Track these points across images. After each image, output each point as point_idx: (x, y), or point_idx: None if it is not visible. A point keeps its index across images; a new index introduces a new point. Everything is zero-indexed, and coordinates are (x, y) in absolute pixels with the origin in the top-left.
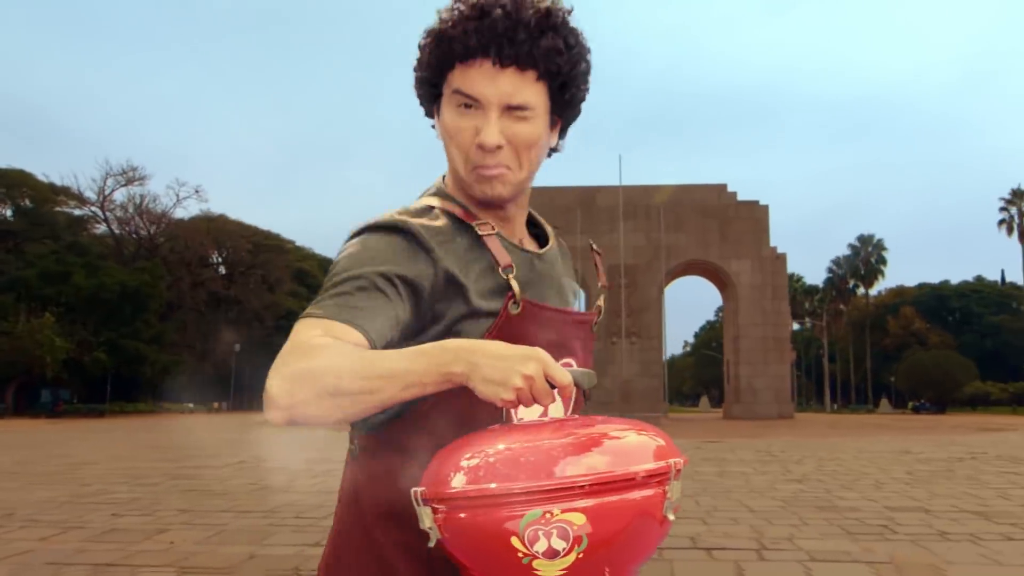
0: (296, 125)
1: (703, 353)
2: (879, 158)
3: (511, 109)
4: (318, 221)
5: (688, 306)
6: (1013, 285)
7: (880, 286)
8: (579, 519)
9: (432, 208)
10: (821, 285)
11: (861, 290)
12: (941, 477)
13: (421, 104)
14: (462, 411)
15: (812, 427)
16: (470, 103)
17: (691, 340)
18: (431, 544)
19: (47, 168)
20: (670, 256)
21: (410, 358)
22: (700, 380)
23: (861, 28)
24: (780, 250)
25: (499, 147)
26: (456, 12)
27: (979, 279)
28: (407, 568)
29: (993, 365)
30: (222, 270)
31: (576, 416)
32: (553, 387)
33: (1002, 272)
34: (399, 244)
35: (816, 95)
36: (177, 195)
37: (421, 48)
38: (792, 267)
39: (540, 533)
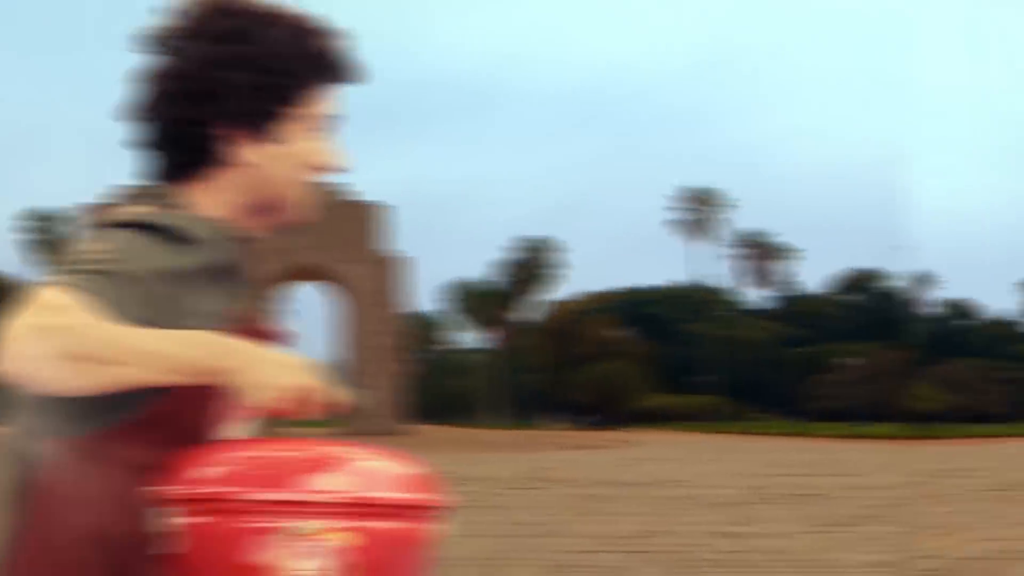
0: None
1: None
2: (605, 151)
3: None
4: None
5: None
6: (720, 289)
7: (569, 289)
8: (340, 538)
9: (199, 220)
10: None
11: (545, 296)
12: None
13: (244, 119)
14: (186, 428)
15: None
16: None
17: None
18: (172, 552)
19: None
20: (272, 261)
21: (179, 342)
22: None
23: (583, 12)
24: (408, 253)
25: None
26: (323, 31)
27: (695, 284)
28: None
29: (691, 376)
30: None
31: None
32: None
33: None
34: (160, 242)
35: (539, 84)
36: None
37: (273, 52)
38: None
39: (297, 548)
